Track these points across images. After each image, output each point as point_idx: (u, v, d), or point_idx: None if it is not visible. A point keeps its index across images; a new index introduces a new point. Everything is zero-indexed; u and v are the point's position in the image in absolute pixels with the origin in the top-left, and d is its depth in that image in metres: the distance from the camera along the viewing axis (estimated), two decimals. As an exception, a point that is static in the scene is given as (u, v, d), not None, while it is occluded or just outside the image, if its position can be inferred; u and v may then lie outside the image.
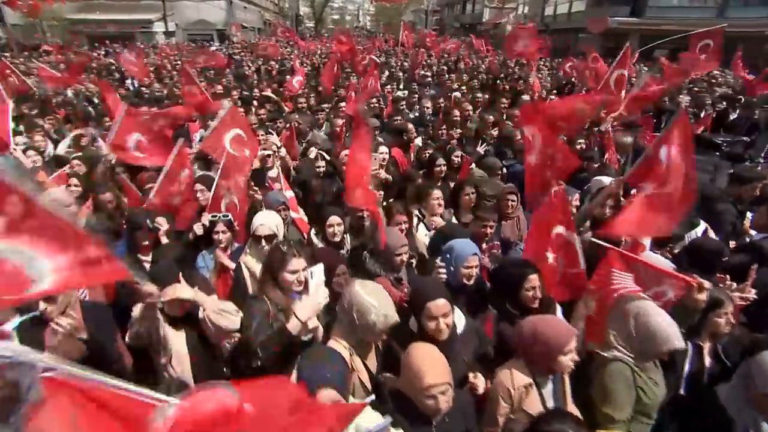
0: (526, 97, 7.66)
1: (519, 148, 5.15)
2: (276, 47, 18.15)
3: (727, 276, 3.02)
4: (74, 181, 4.19)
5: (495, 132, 5.74)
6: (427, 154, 5.10)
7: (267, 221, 2.80)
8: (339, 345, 2.08)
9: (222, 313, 2.16)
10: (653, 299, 2.24)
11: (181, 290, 2.12)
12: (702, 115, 8.30)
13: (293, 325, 1.98)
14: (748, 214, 4.18)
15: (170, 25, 27.98)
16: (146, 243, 3.04)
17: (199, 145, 4.43)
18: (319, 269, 2.03)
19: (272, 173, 4.76)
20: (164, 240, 3.12)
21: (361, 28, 64.54)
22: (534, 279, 2.42)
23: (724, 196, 4.04)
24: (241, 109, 7.16)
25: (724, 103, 9.05)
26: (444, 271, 2.59)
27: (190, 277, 2.39)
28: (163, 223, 3.15)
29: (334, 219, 3.10)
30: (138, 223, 3.01)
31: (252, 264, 2.77)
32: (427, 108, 6.90)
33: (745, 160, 7.36)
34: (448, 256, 2.63)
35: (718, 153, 7.32)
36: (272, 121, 6.22)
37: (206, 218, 3.34)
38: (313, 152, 4.95)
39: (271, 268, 2.24)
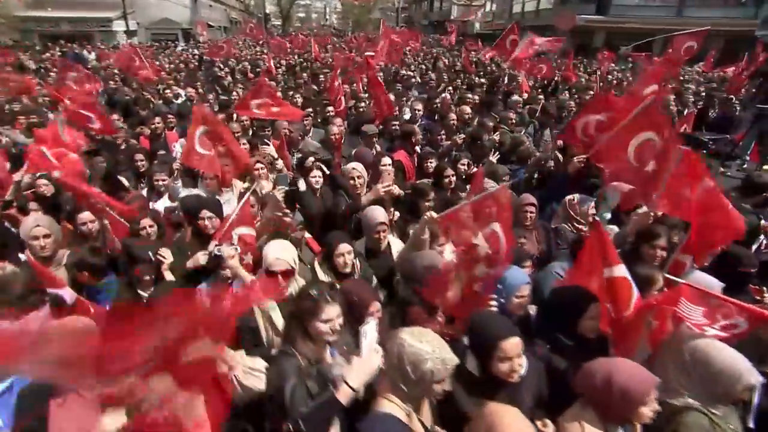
0: (516, 98, 7.52)
1: (524, 155, 4.98)
2: (229, 46, 17.43)
3: (764, 288, 2.93)
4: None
5: (496, 137, 5.54)
6: (431, 163, 4.86)
7: (282, 254, 2.44)
8: (393, 405, 1.79)
9: (251, 372, 1.84)
10: (722, 331, 2.05)
11: (207, 349, 1.79)
12: (685, 112, 8.44)
13: (344, 394, 1.68)
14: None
15: (131, 23, 26.53)
16: (147, 278, 2.66)
17: (180, 159, 4.03)
18: (371, 327, 1.75)
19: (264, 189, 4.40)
20: (168, 274, 2.75)
21: (329, 26, 63.74)
22: (596, 308, 2.22)
23: (747, 207, 3.96)
24: (221, 115, 6.73)
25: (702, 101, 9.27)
26: (496, 303, 2.34)
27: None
28: (167, 256, 2.77)
29: (345, 247, 2.74)
30: (139, 256, 2.63)
31: (265, 304, 2.42)
32: (418, 110, 6.63)
33: (734, 158, 7.53)
34: (500, 286, 2.39)
35: (705, 151, 7.42)
36: (260, 129, 5.78)
37: (213, 245, 2.99)
38: (309, 162, 4.61)
39: (300, 317, 1.94)
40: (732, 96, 8.35)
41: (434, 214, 2.75)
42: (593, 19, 27.96)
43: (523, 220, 3.73)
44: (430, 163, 4.87)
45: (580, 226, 3.95)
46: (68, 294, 2.44)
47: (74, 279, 2.85)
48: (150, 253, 2.66)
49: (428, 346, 1.77)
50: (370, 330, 1.74)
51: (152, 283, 2.71)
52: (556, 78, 9.79)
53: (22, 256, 3.01)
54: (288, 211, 3.03)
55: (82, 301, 2.55)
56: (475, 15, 49.50)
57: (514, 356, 1.88)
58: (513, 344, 1.88)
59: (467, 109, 6.50)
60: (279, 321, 2.39)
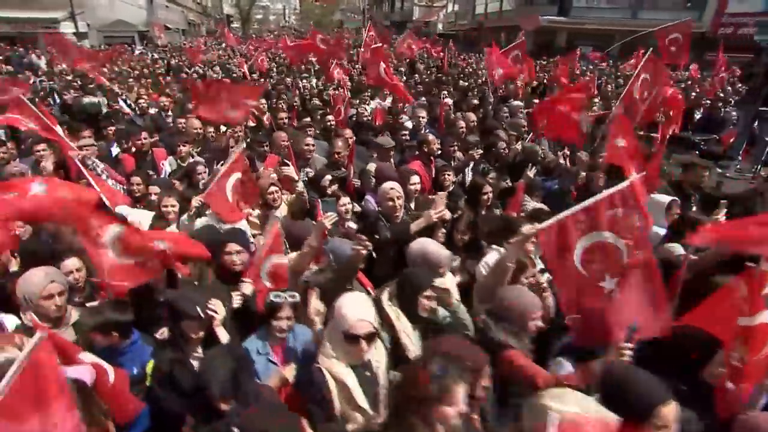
0: (518, 103, 7.37)
1: (551, 166, 4.79)
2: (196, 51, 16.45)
3: None
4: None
5: (519, 146, 5.32)
6: (448, 176, 4.57)
7: (364, 313, 1.99)
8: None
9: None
10: None
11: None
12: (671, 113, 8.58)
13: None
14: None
15: (81, 25, 24.71)
16: (195, 336, 2.23)
17: (201, 196, 3.50)
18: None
19: (279, 213, 3.97)
20: (221, 332, 2.32)
21: (289, 27, 62.40)
22: (722, 355, 2.01)
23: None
24: (211, 129, 6.17)
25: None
26: (630, 352, 2.03)
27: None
28: (219, 310, 2.33)
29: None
30: (186, 312, 2.19)
31: (338, 371, 2.00)
32: (423, 118, 6.33)
33: (727, 159, 7.69)
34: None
35: (697, 152, 7.53)
36: (259, 144, 5.25)
37: (247, 287, 2.58)
38: (325, 181, 4.20)
39: (422, 403, 1.57)
40: (730, 98, 8.58)
41: (537, 227, 2.39)
42: (555, 20, 28.76)
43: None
44: (448, 176, 4.58)
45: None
46: (88, 373, 1.96)
47: (86, 341, 2.36)
48: (198, 308, 2.21)
49: (577, 408, 1.49)
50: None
51: (201, 341, 2.27)
52: (544, 81, 9.76)
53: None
54: (367, 241, 2.53)
55: (101, 372, 2.08)
56: (437, 16, 49.91)
57: (671, 423, 1.63)
58: (672, 410, 1.64)
59: (472, 116, 6.25)
60: (357, 392, 2.01)
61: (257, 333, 2.45)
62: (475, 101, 7.91)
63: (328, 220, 2.72)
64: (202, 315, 2.20)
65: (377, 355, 2.12)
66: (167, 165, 5.28)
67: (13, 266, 2.68)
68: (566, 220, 2.42)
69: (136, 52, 20.97)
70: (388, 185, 3.41)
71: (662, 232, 3.88)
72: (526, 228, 2.43)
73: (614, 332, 2.20)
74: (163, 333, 2.53)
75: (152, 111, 8.21)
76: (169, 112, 7.66)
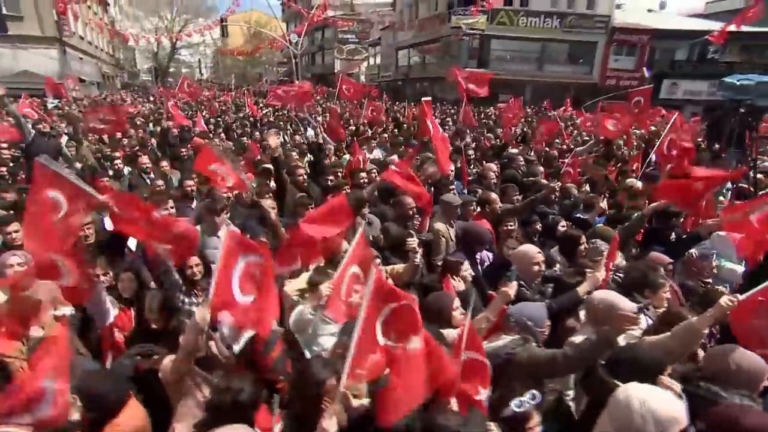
0: (515, 150, 7.72)
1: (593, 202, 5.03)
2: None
3: None
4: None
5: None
6: (510, 226, 4.54)
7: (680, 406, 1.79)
8: None
9: None
10: None
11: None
12: (632, 154, 9.59)
13: None
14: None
15: (-24, 76, 21.79)
16: None
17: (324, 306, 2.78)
18: None
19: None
20: None
21: (206, 80, 60.82)
22: None
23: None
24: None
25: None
26: None
27: None
28: None
29: None
30: None
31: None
32: (452, 171, 6.28)
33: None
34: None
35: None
36: (303, 207, 4.80)
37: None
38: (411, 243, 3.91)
39: None
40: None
41: (738, 298, 2.37)
42: (476, 72, 31.55)
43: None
44: (510, 226, 4.56)
45: (707, 281, 4.00)
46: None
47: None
48: None
49: None
50: None
51: None
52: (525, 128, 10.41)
53: None
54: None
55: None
56: (358, 68, 52.12)
57: None
58: None
59: (494, 166, 6.38)
60: None
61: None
62: (470, 152, 8.15)
63: (512, 290, 2.48)
64: None
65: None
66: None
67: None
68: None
69: (50, 105, 18.75)
70: (533, 249, 3.27)
71: (737, 268, 4.18)
72: (725, 299, 2.42)
73: None
74: None
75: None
76: (151, 174, 6.82)
